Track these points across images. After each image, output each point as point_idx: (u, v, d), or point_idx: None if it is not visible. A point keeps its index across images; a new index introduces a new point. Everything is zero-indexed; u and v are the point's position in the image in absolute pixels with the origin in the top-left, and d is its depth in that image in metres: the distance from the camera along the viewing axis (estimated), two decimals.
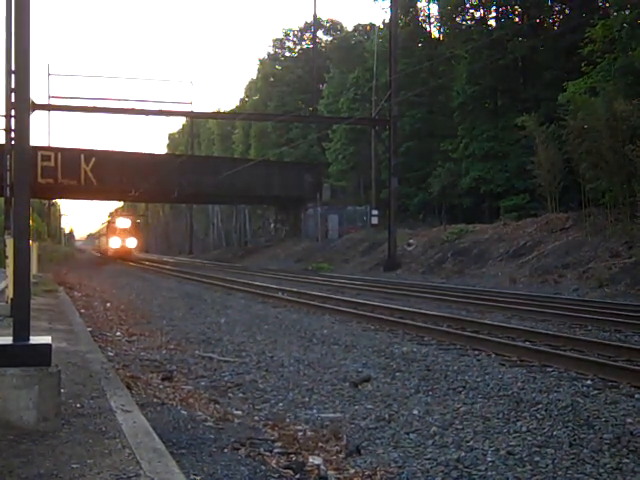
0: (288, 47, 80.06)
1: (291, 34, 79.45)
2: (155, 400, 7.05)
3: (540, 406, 7.18)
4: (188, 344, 11.77)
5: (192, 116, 59.02)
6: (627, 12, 32.21)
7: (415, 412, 7.22)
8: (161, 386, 7.95)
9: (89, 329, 11.87)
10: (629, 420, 6.61)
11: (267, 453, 5.73)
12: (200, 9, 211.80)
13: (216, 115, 69.00)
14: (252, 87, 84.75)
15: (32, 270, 16.55)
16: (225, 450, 5.59)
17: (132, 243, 65.60)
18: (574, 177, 30.37)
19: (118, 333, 12.50)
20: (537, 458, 5.73)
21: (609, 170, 27.46)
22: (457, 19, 47.06)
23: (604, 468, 5.51)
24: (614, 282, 23.36)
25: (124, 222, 66.38)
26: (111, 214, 76.43)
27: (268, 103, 71.99)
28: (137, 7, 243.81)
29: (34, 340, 5.27)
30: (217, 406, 7.34)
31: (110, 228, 67.73)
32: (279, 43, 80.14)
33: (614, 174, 27.23)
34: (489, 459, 5.74)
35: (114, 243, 65.11)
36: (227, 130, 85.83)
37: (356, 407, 7.54)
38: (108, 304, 18.11)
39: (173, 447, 5.37)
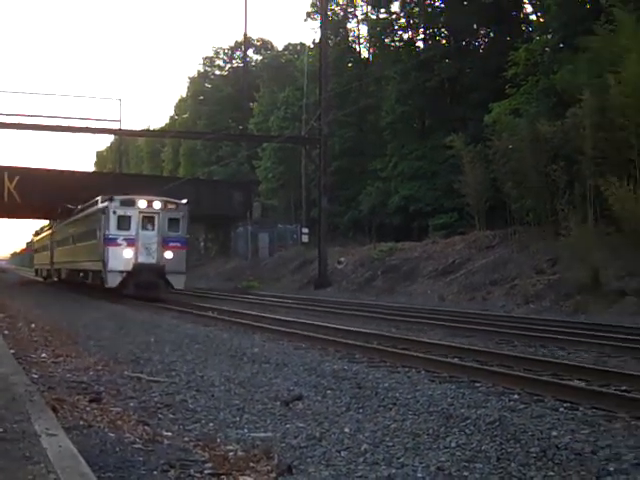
0: (218, 65, 79.83)
1: (221, 52, 79.33)
2: (82, 423, 6.89)
3: (469, 421, 7.27)
4: (117, 364, 11.55)
5: (120, 134, 58.21)
6: (549, 36, 33.23)
7: (346, 430, 7.23)
8: (88, 408, 7.77)
9: (12, 351, 11.55)
10: (554, 433, 6.75)
11: (197, 474, 5.65)
12: (129, 25, 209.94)
13: (145, 133, 68.44)
14: (182, 105, 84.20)
15: None
16: (154, 472, 5.49)
17: (170, 256, 29.09)
18: (500, 196, 31.04)
19: (43, 354, 12.18)
20: (466, 473, 5.79)
21: (533, 189, 28.16)
22: (386, 40, 47.71)
23: None
24: (539, 298, 23.92)
25: (158, 206, 29.51)
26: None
27: (198, 121, 71.60)
28: (62, 22, 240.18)
29: None
30: (146, 427, 7.21)
31: (112, 218, 29.13)
32: (209, 61, 79.87)
33: (538, 193, 27.94)
34: (419, 475, 5.78)
35: (125, 255, 28.70)
36: (156, 148, 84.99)
37: (287, 426, 7.51)
38: (33, 325, 17.65)
39: (100, 471, 5.25)
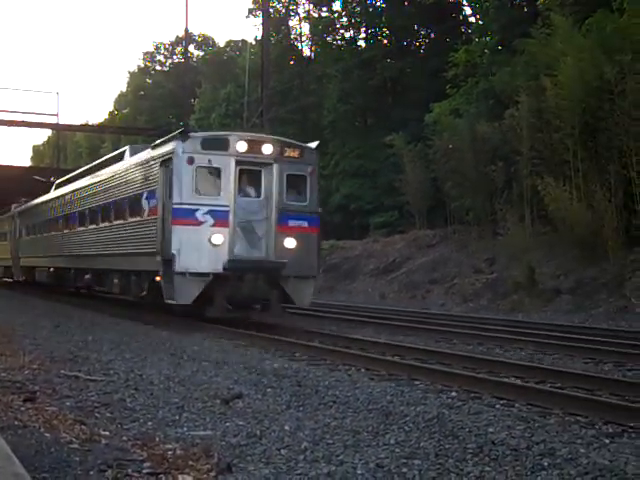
0: (159, 61, 79.10)
1: (162, 47, 78.56)
2: (16, 423, 6.75)
3: (408, 418, 7.35)
4: (53, 363, 11.34)
5: (58, 128, 57.10)
6: (487, 39, 33.77)
7: (286, 428, 7.23)
8: (23, 408, 7.62)
9: None
10: (491, 430, 6.86)
11: (135, 474, 5.58)
12: (68, 17, 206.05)
13: (84, 128, 67.34)
14: (122, 100, 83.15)
15: None
16: (91, 473, 5.42)
17: (292, 246, 15.68)
18: (440, 195, 31.41)
19: None
20: (405, 469, 5.84)
21: (472, 189, 28.58)
22: (328, 38, 47.85)
23: (468, 477, 5.69)
24: (477, 297, 24.31)
25: (268, 150, 15.78)
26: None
27: (138, 117, 70.76)
28: None
29: None
30: (83, 427, 7.10)
31: (186, 172, 15.19)
32: (150, 56, 79.09)
33: (477, 192, 28.36)
34: (359, 472, 5.81)
35: (213, 241, 15.05)
36: (96, 144, 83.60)
37: (227, 424, 7.48)
38: None
39: (35, 471, 5.16)
